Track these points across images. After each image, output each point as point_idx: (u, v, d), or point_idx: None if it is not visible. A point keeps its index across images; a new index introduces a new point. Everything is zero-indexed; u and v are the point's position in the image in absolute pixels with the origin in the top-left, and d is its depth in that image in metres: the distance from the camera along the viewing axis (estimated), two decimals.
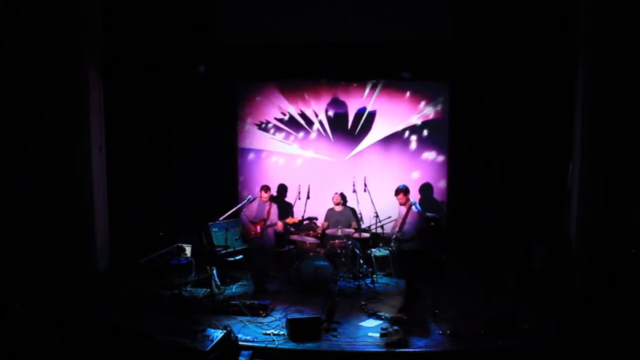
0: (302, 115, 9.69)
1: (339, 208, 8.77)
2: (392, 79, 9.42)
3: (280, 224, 7.93)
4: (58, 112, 7.79)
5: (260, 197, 7.97)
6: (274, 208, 8.05)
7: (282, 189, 9.49)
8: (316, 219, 8.75)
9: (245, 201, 8.01)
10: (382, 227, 8.44)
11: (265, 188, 8.01)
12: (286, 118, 9.72)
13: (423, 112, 9.48)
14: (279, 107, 9.73)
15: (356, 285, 7.97)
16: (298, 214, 8.57)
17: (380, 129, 9.56)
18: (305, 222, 8.75)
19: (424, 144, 9.51)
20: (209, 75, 9.23)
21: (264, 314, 6.75)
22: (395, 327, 6.11)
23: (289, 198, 9.29)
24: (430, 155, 9.51)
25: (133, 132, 8.79)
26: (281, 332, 6.19)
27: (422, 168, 9.51)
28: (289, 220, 7.98)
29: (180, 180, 9.50)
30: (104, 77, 8.20)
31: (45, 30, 7.69)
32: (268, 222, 7.89)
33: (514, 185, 8.73)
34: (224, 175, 9.79)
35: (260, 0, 8.92)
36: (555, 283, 7.30)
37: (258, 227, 7.86)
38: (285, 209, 8.78)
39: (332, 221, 8.59)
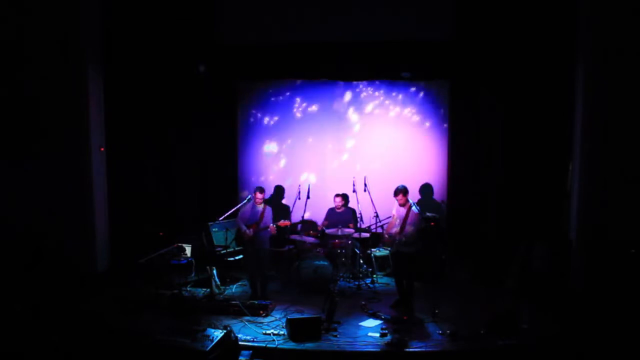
0: (302, 115, 9.68)
1: (340, 209, 8.76)
2: (392, 79, 9.41)
3: (272, 227, 7.50)
4: (58, 112, 7.81)
5: (255, 198, 7.60)
6: (268, 211, 7.65)
7: (279, 190, 9.34)
8: (311, 222, 8.67)
9: (245, 201, 7.95)
10: (382, 227, 8.34)
11: (260, 189, 7.65)
12: (286, 118, 9.72)
13: (423, 111, 9.47)
14: (278, 107, 9.72)
15: (356, 285, 7.98)
16: (298, 214, 8.56)
17: (380, 129, 9.54)
18: (300, 225, 8.73)
19: (424, 143, 9.50)
20: (209, 75, 9.22)
21: (264, 314, 6.76)
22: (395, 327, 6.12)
23: (288, 200, 9.23)
24: (430, 154, 9.49)
25: (133, 132, 8.79)
26: (281, 332, 6.20)
27: (421, 168, 9.49)
28: (282, 223, 7.54)
29: (180, 181, 9.48)
30: (104, 78, 8.21)
31: (45, 29, 7.71)
32: (261, 225, 7.51)
33: (514, 185, 8.73)
34: (224, 175, 9.77)
35: (261, 0, 8.93)
36: (555, 283, 7.31)
37: (251, 230, 7.50)
38: (282, 211, 8.66)
39: (332, 221, 8.58)
